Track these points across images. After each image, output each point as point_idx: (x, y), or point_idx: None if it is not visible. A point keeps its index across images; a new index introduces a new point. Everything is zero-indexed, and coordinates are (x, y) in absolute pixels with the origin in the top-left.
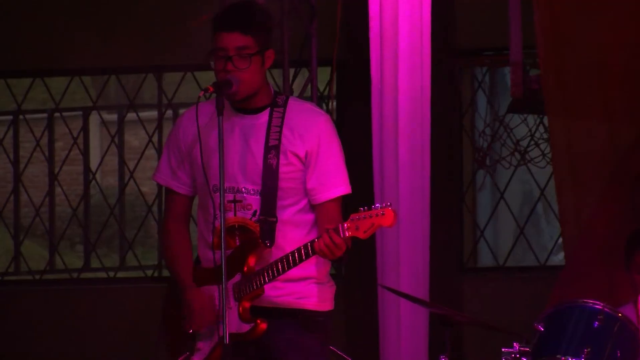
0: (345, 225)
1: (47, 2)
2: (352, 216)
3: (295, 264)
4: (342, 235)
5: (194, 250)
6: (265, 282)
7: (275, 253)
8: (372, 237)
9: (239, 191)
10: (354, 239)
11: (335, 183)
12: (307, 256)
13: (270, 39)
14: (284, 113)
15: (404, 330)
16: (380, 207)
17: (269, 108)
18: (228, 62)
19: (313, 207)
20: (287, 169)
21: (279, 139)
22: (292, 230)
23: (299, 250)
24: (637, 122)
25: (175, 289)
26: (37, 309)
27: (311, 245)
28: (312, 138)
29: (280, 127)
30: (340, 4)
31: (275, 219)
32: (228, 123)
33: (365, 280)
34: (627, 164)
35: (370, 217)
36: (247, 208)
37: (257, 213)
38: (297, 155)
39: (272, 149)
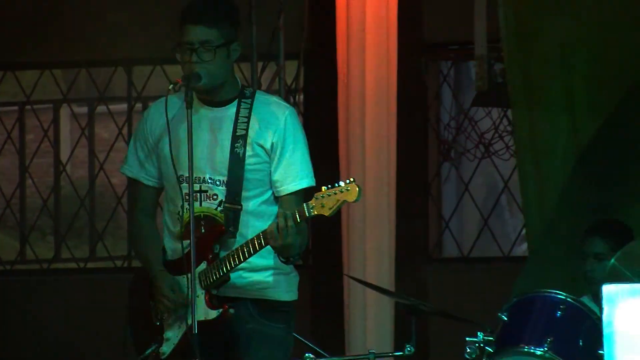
0: (311, 203)
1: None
2: (316, 195)
3: (258, 249)
4: (307, 214)
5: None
6: (230, 269)
7: (239, 242)
8: (338, 227)
9: (205, 182)
10: (321, 226)
11: (300, 176)
12: (267, 243)
13: (236, 32)
14: (251, 105)
15: (370, 320)
16: (345, 184)
17: (236, 100)
18: (194, 55)
19: (277, 199)
20: (253, 160)
21: (246, 130)
22: (256, 221)
23: (257, 236)
24: (599, 117)
25: (140, 282)
26: (7, 299)
27: (264, 235)
28: (277, 130)
29: (248, 118)
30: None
31: (240, 207)
32: (196, 115)
33: (331, 270)
34: (591, 156)
35: (335, 193)
36: (213, 198)
37: (223, 202)
38: (262, 147)
39: (239, 138)
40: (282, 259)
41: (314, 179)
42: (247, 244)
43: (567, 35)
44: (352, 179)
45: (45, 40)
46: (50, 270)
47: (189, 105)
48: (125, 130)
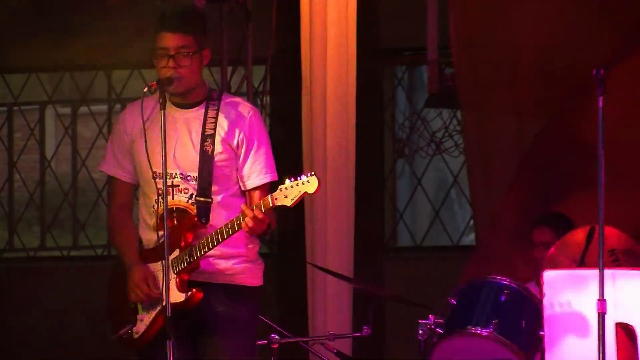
0: (275, 195)
1: (7, 6)
2: (281, 187)
3: (227, 237)
4: (272, 204)
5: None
6: (200, 256)
7: (210, 232)
8: (302, 219)
9: (177, 177)
10: (286, 216)
11: (264, 171)
12: (234, 231)
13: (206, 40)
14: (218, 106)
15: (331, 304)
16: (306, 177)
17: (205, 102)
18: (170, 60)
19: (244, 193)
20: (221, 157)
21: (214, 129)
22: (225, 212)
23: (231, 223)
24: (543, 118)
25: (119, 268)
26: None
27: (237, 221)
28: (243, 129)
29: (216, 118)
30: (274, 8)
31: (210, 200)
32: (168, 116)
33: (295, 258)
34: (535, 154)
35: (297, 185)
36: (185, 192)
37: (194, 196)
38: (229, 145)
39: (208, 137)
40: (255, 236)
41: (276, 174)
42: (217, 232)
43: (512, 41)
44: (312, 173)
45: (32, 46)
46: (36, 258)
47: (162, 106)
48: (105, 130)
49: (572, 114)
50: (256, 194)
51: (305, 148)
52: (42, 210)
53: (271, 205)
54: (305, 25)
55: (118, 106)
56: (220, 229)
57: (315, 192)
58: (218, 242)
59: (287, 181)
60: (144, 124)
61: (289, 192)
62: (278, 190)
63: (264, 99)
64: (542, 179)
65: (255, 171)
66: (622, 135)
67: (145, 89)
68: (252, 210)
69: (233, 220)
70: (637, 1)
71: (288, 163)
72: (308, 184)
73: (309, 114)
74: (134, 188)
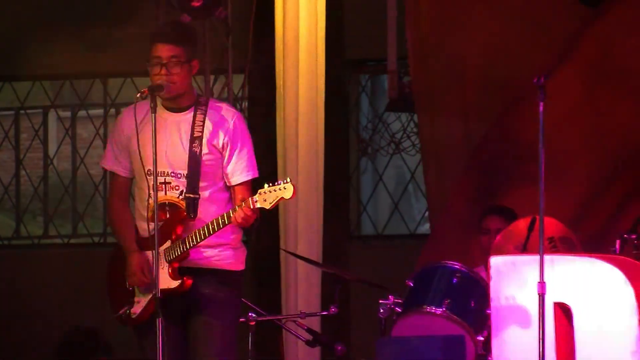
0: (255, 198)
1: (13, 21)
2: (260, 191)
3: (214, 232)
4: (252, 207)
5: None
6: (190, 247)
7: (198, 224)
8: (276, 211)
9: (168, 175)
10: (261, 210)
11: (246, 169)
12: (224, 225)
13: (195, 51)
14: (205, 111)
15: (301, 286)
16: (283, 183)
17: (193, 107)
18: (163, 68)
19: (228, 188)
20: (208, 157)
21: (202, 131)
22: (211, 206)
23: (217, 220)
24: (488, 120)
25: (117, 254)
26: (4, 269)
27: (227, 216)
28: (228, 131)
29: (203, 122)
30: (252, 23)
31: (198, 196)
32: (160, 119)
33: (271, 245)
34: (481, 152)
35: (275, 190)
36: (175, 189)
37: (184, 192)
38: (215, 146)
39: (196, 139)
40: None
41: (257, 172)
42: (207, 226)
43: (461, 53)
44: (288, 179)
45: (36, 56)
46: (40, 244)
47: (153, 110)
48: (101, 131)
49: (514, 117)
50: (239, 189)
51: (279, 147)
52: (45, 202)
53: (251, 207)
54: (279, 39)
55: (113, 110)
56: (208, 224)
57: (291, 197)
58: (207, 236)
59: (266, 186)
60: (136, 126)
61: (268, 197)
62: (257, 194)
63: (243, 104)
64: (488, 174)
65: (239, 169)
66: (557, 136)
67: (138, 95)
68: (242, 210)
69: (218, 217)
70: (570, 18)
71: (263, 163)
72: (285, 189)
73: (282, 118)
74: (131, 181)
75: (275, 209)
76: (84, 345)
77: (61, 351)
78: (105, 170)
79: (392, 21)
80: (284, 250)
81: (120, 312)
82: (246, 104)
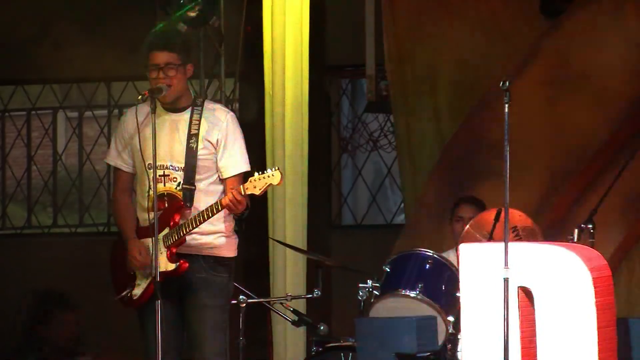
0: (246, 185)
1: (26, 30)
2: (250, 179)
3: (208, 218)
4: (243, 192)
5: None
6: (186, 233)
7: (194, 213)
8: (265, 203)
9: (167, 168)
10: (252, 200)
11: (239, 163)
12: (217, 211)
13: (190, 56)
14: (201, 111)
15: (288, 271)
16: (271, 171)
17: (190, 107)
18: (160, 72)
19: (222, 181)
20: (203, 152)
21: (198, 129)
22: (206, 197)
23: (210, 207)
24: (457, 121)
25: (120, 241)
26: (18, 255)
27: (220, 202)
28: (222, 129)
29: (199, 121)
30: (242, 31)
31: (194, 187)
32: (160, 119)
33: (260, 234)
34: (451, 150)
35: (264, 178)
36: (173, 180)
37: (181, 184)
38: (210, 142)
39: (193, 136)
40: (235, 217)
41: (249, 166)
42: (200, 214)
43: (432, 58)
44: (277, 167)
45: (46, 62)
46: (49, 233)
47: (153, 111)
48: (105, 130)
49: (481, 118)
50: (232, 181)
51: (267, 144)
52: (54, 195)
53: (243, 193)
54: (268, 46)
55: (116, 111)
56: (202, 211)
57: (278, 183)
58: (201, 222)
59: (256, 174)
60: (137, 125)
61: (257, 183)
62: (248, 182)
63: (234, 105)
64: (457, 170)
65: (231, 163)
66: (521, 135)
67: (139, 97)
68: (233, 194)
69: (212, 205)
70: (532, 28)
71: (253, 159)
72: (273, 176)
73: (271, 118)
74: (133, 176)
75: (264, 201)
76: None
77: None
78: (109, 166)
79: (370, 30)
80: (272, 238)
81: (123, 294)
82: (237, 105)
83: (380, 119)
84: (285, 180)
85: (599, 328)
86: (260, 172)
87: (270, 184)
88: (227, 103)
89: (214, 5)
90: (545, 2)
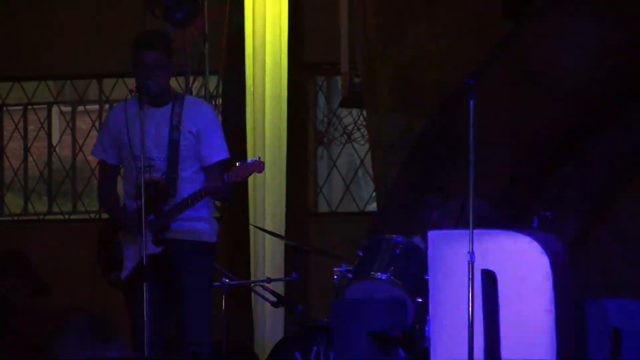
0: (229, 173)
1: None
2: (233, 167)
3: (191, 205)
4: (227, 180)
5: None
6: (171, 220)
7: (177, 200)
8: (246, 191)
9: (152, 159)
10: (235, 189)
11: (219, 151)
12: (201, 198)
13: (172, 55)
14: (182, 104)
15: (268, 255)
16: (252, 160)
17: (171, 102)
18: (147, 70)
19: (203, 169)
20: (185, 143)
21: (180, 121)
22: (189, 185)
23: (193, 194)
24: (426, 116)
25: (107, 227)
26: (14, 240)
27: (202, 190)
28: (201, 120)
29: (180, 113)
30: (226, 32)
31: (177, 176)
32: (145, 114)
33: (241, 221)
34: (421, 143)
35: (246, 166)
36: (158, 170)
37: (165, 173)
38: (191, 133)
39: (175, 128)
40: (219, 204)
41: (228, 153)
42: (184, 201)
43: (402, 59)
44: (258, 157)
45: (42, 59)
46: (45, 220)
47: (141, 106)
48: (97, 124)
49: (448, 113)
50: (214, 168)
51: (248, 137)
52: (49, 184)
53: (226, 180)
54: (249, 45)
55: (107, 106)
56: (185, 198)
57: (259, 171)
58: (185, 208)
59: (238, 163)
60: (126, 120)
61: (240, 172)
62: (231, 170)
63: (218, 100)
64: (425, 162)
65: (212, 152)
66: (484, 130)
67: (129, 93)
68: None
69: (195, 192)
70: (495, 30)
71: (235, 151)
72: (254, 165)
73: (252, 112)
74: (119, 167)
75: (245, 190)
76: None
77: None
78: None
79: (345, 31)
80: (253, 225)
81: (111, 276)
82: (220, 100)
83: (353, 114)
84: (264, 169)
85: (557, 308)
86: (242, 162)
87: (252, 171)
88: (211, 99)
89: (199, 6)
90: (508, 5)
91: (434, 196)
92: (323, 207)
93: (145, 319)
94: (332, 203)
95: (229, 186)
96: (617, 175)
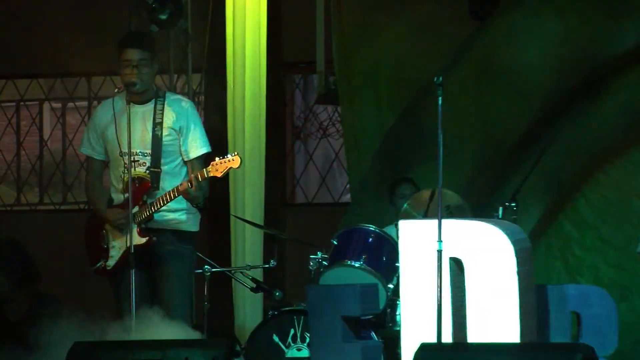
0: (208, 169)
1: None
2: (212, 163)
3: (174, 197)
4: (206, 176)
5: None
6: (154, 211)
7: (160, 193)
8: (227, 183)
9: (137, 154)
10: (215, 181)
11: (200, 146)
12: (176, 196)
13: (156, 54)
14: (164, 102)
15: (247, 243)
16: (231, 155)
17: (154, 99)
18: (134, 69)
19: (185, 163)
20: (168, 138)
21: (162, 118)
22: (171, 178)
23: (176, 187)
24: (397, 111)
25: (94, 218)
26: (7, 230)
27: (177, 188)
28: (182, 116)
29: (162, 110)
30: (208, 32)
31: (160, 171)
32: (131, 110)
33: (222, 211)
34: (392, 137)
35: (225, 162)
36: (142, 165)
37: (149, 167)
38: (174, 129)
39: (158, 124)
40: (193, 205)
41: (210, 147)
42: (165, 194)
43: (373, 56)
44: (236, 152)
45: (33, 58)
46: (36, 210)
47: (128, 102)
48: (86, 119)
49: (418, 109)
50: (195, 162)
51: (229, 133)
52: (41, 176)
53: (206, 176)
54: (230, 45)
55: (95, 103)
56: (168, 191)
57: (238, 167)
58: (167, 201)
59: (217, 159)
60: (114, 116)
61: (219, 167)
62: (210, 166)
63: (200, 97)
64: (396, 155)
65: (193, 147)
66: (452, 124)
67: (116, 90)
68: (190, 179)
69: (175, 187)
70: (463, 29)
71: (217, 146)
72: (233, 160)
73: (232, 109)
74: (105, 163)
75: (226, 182)
76: None
77: None
78: None
79: (321, 31)
80: (234, 215)
81: (98, 265)
82: (203, 97)
83: (329, 110)
84: (244, 163)
85: (520, 293)
86: (221, 157)
87: (231, 167)
88: (194, 96)
89: (182, 8)
90: (474, 6)
91: (404, 186)
92: (300, 198)
93: (132, 305)
94: (309, 194)
95: (207, 188)
96: (578, 167)
